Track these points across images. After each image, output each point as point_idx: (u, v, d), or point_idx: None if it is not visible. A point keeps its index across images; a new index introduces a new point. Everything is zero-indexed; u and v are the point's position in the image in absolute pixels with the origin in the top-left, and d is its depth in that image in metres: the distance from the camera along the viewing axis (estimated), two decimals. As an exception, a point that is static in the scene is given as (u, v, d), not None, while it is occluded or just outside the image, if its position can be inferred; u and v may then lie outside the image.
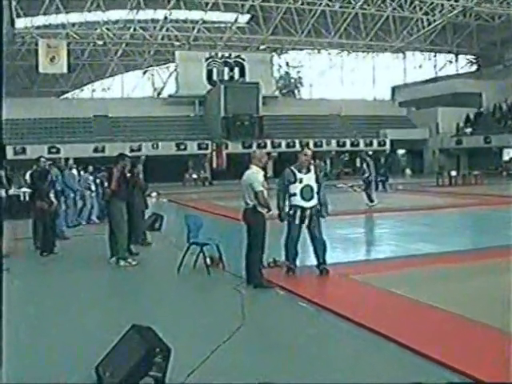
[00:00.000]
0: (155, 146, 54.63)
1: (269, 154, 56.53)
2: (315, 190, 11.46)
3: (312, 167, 11.59)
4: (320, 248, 11.70)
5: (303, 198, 11.39)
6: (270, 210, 11.03)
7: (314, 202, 11.49)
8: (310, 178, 11.43)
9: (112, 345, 6.29)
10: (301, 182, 11.37)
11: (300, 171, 11.44)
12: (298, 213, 11.43)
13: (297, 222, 11.48)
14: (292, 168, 11.55)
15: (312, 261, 13.69)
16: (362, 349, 7.47)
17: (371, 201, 26.78)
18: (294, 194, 11.40)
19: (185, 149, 56.20)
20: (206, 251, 12.25)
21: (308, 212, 11.45)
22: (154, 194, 19.42)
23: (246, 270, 11.13)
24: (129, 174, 14.58)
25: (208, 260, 12.20)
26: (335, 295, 10.13)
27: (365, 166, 27.89)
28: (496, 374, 6.25)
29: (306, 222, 11.53)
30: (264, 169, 11.26)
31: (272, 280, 10.99)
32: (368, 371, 6.70)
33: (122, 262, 13.23)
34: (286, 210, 11.55)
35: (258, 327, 8.59)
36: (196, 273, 12.17)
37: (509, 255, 13.17)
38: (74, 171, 21.99)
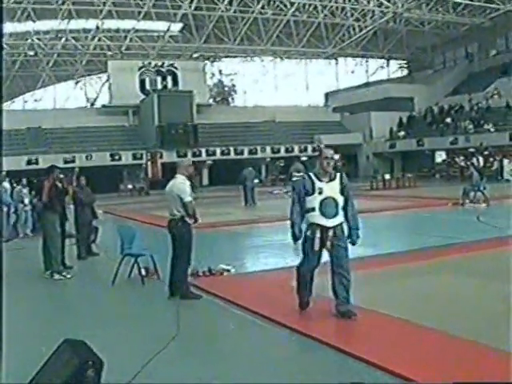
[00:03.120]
0: (89, 156, 54.07)
1: (204, 161, 57.02)
2: (340, 204, 8.90)
3: (337, 175, 9.01)
4: (342, 281, 8.92)
5: (323, 214, 8.80)
6: (197, 220, 10.91)
7: (339, 219, 8.93)
8: (332, 189, 8.86)
9: (44, 360, 6.22)
10: (320, 192, 8.80)
11: (320, 179, 8.89)
12: (318, 234, 8.82)
13: (316, 247, 8.84)
14: (310, 174, 9.06)
15: (251, 266, 13.76)
16: (299, 355, 7.53)
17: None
18: (312, 209, 8.86)
19: (119, 159, 55.72)
20: (141, 262, 12.19)
21: (331, 233, 8.80)
22: (100, 211, 19.25)
23: (169, 282, 10.92)
24: (70, 187, 14.55)
25: (143, 271, 12.15)
26: (272, 302, 10.02)
27: (293, 171, 28.26)
28: (428, 373, 6.37)
29: (328, 245, 8.84)
30: (190, 178, 11.11)
31: (208, 289, 11.00)
32: (307, 378, 6.73)
33: (56, 276, 13.08)
34: (303, 228, 9.06)
35: (193, 337, 8.58)
36: (131, 284, 12.11)
37: (441, 255, 13.46)
38: (6, 184, 21.66)
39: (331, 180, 8.87)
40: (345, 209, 8.97)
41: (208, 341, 8.45)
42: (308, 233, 8.93)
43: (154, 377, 6.73)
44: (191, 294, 10.75)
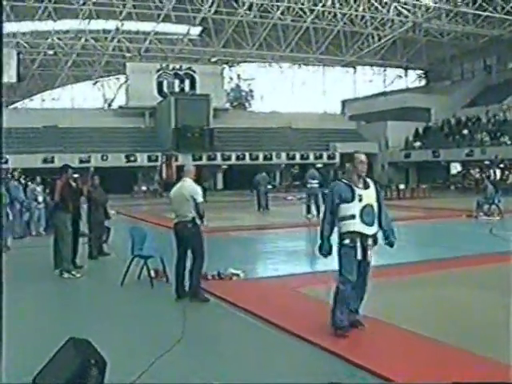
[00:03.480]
0: (105, 157, 54.27)
1: (219, 166, 57.15)
2: (376, 211, 8.52)
3: (370, 181, 8.65)
4: (362, 296, 8.71)
5: (364, 221, 8.36)
6: (203, 222, 11.12)
7: (376, 227, 8.56)
8: (370, 196, 8.48)
9: (49, 357, 6.25)
10: (360, 199, 8.35)
11: (357, 185, 8.46)
12: (359, 243, 8.34)
13: (359, 256, 8.34)
14: (346, 181, 8.54)
15: (261, 272, 13.76)
16: (307, 362, 7.52)
17: (308, 212, 27.20)
18: (352, 217, 8.33)
19: (134, 160, 55.92)
20: (150, 264, 12.22)
21: (370, 241, 8.43)
22: (112, 212, 19.32)
23: (176, 284, 11.11)
24: (85, 186, 14.64)
25: (152, 272, 12.18)
26: (279, 308, 10.02)
27: (309, 178, 28.27)
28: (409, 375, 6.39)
29: (370, 254, 8.47)
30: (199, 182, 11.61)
31: (216, 292, 11.02)
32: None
33: (65, 275, 13.13)
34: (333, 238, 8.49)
35: (199, 340, 8.58)
36: (140, 285, 12.13)
37: (451, 267, 13.43)
38: (14, 182, 21.74)
39: (367, 187, 8.51)
40: (379, 217, 8.57)
41: (213, 344, 8.46)
42: (346, 241, 8.33)
43: (157, 378, 6.74)
44: (202, 296, 10.83)
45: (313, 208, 27.45)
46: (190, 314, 9.54)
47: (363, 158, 8.57)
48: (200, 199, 10.93)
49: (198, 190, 11.05)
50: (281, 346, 8.18)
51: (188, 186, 11.08)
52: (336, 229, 8.45)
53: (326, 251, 8.52)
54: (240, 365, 7.43)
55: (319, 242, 8.57)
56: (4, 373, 5.50)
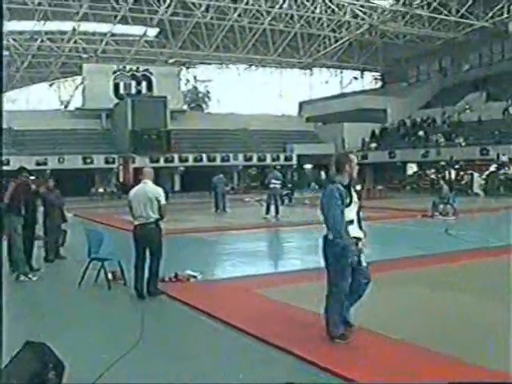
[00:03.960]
0: (61, 159, 53.83)
1: (176, 168, 56.98)
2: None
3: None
4: (358, 296, 8.45)
5: (360, 226, 8.37)
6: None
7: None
8: (356, 198, 8.33)
9: (5, 362, 6.22)
10: (355, 203, 8.20)
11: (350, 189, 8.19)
12: (354, 247, 8.05)
13: (355, 262, 8.08)
14: (343, 184, 8.12)
15: (219, 273, 13.80)
16: (262, 362, 7.55)
17: (267, 212, 27.34)
18: (351, 222, 8.12)
19: (91, 162, 55.48)
20: (108, 266, 12.18)
21: (360, 245, 8.23)
22: (69, 214, 19.14)
23: (135, 284, 11.29)
24: (41, 188, 14.55)
25: (109, 275, 12.15)
26: (237, 309, 10.08)
27: (272, 179, 28.43)
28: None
29: (363, 259, 8.26)
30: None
31: (172, 294, 11.05)
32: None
33: (21, 277, 13.04)
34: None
35: (157, 342, 8.58)
36: (97, 288, 12.09)
37: (407, 267, 13.57)
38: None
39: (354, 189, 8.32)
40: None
41: (171, 346, 8.47)
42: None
43: (115, 380, 6.74)
44: (158, 291, 11.22)
45: (272, 208, 27.61)
46: (148, 316, 9.55)
47: (356, 160, 8.43)
48: (163, 201, 11.15)
49: (161, 191, 11.26)
50: (239, 348, 8.21)
51: (151, 187, 11.27)
52: (330, 234, 7.95)
53: (348, 254, 7.91)
54: (198, 367, 7.45)
55: (343, 244, 7.86)
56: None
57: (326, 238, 8.06)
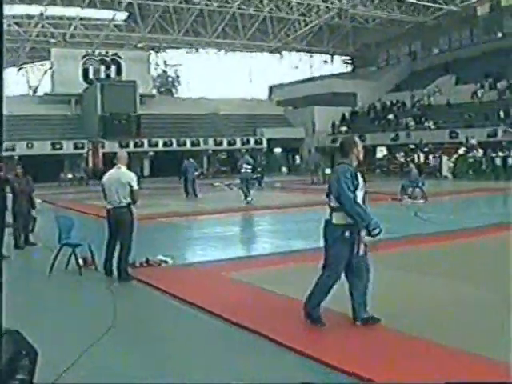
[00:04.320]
0: (30, 145, 53.42)
1: (146, 152, 56.76)
2: None
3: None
4: (365, 286, 8.16)
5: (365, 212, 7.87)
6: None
7: None
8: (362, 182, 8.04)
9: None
10: (361, 187, 7.95)
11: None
12: (355, 236, 7.83)
13: (355, 250, 7.82)
14: (350, 166, 7.90)
15: (189, 258, 13.81)
16: (236, 347, 7.58)
17: (246, 197, 27.29)
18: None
19: (60, 148, 55.09)
20: (79, 252, 12.15)
21: (363, 233, 7.87)
22: (38, 200, 18.98)
23: (104, 261, 11.60)
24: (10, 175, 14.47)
25: (80, 261, 12.11)
26: (208, 293, 10.08)
27: (243, 163, 28.36)
28: (380, 372, 6.49)
29: (362, 247, 7.94)
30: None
31: (144, 279, 11.05)
32: (243, 370, 6.75)
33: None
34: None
35: (130, 327, 8.59)
36: (68, 274, 12.05)
37: (378, 250, 13.66)
38: None
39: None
40: None
41: (144, 331, 8.47)
42: (346, 234, 7.73)
43: (88, 366, 6.74)
44: (129, 276, 11.29)
45: (247, 192, 27.61)
46: (120, 302, 9.55)
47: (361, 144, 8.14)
48: (136, 186, 11.32)
49: (134, 176, 11.43)
50: (211, 331, 8.23)
51: (124, 172, 11.40)
52: (333, 218, 7.85)
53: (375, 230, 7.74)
54: (172, 352, 7.47)
55: (369, 220, 7.68)
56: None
57: (328, 221, 7.96)
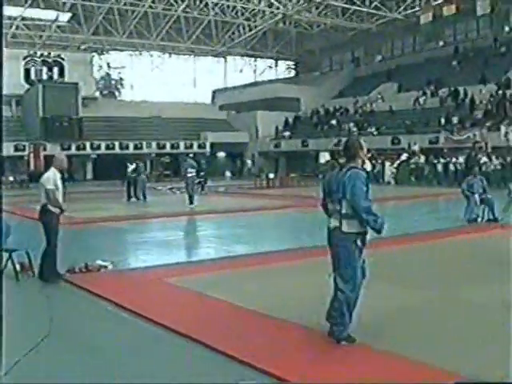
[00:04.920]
0: (-32, 147, 52.50)
1: (88, 155, 56.21)
2: None
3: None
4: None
5: None
6: (62, 210, 11.53)
7: None
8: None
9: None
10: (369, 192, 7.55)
11: None
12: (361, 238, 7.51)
13: (362, 258, 7.56)
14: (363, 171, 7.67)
15: (130, 263, 13.62)
16: (175, 353, 7.46)
17: (191, 202, 27.09)
18: None
19: (0, 150, 54.18)
20: (16, 257, 11.87)
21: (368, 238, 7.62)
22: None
23: (40, 264, 11.49)
24: None
25: (18, 266, 11.83)
26: (148, 299, 9.96)
27: (188, 167, 28.17)
28: (299, 371, 6.50)
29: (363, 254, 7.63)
30: (61, 171, 11.79)
31: (82, 285, 10.83)
32: (180, 375, 6.69)
33: None
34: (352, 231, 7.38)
35: (67, 334, 8.41)
36: (4, 280, 11.74)
37: (318, 255, 13.64)
38: None
39: None
40: None
41: (81, 338, 8.29)
42: (358, 243, 7.39)
43: (25, 374, 6.58)
44: (56, 277, 11.36)
45: (188, 196, 27.40)
46: (57, 308, 9.35)
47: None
48: (48, 186, 11.23)
49: (51, 177, 11.32)
50: (151, 338, 8.10)
51: (46, 175, 11.45)
52: (344, 226, 7.36)
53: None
54: (108, 358, 7.32)
55: (380, 226, 7.34)
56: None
57: (336, 229, 7.46)
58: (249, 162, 59.18)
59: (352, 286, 7.36)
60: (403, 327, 8.01)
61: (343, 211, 7.35)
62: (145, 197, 31.60)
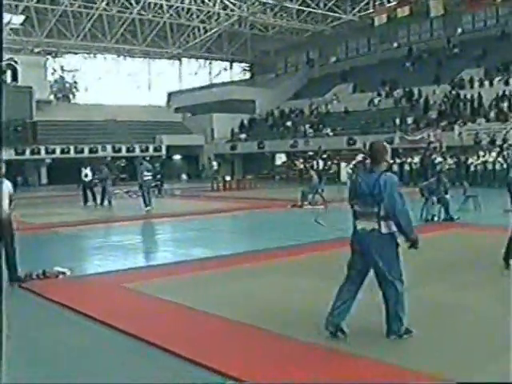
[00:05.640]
0: None
1: (43, 160, 55.62)
2: None
3: None
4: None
5: None
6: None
7: None
8: None
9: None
10: None
11: None
12: None
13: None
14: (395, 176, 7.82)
15: (88, 268, 13.52)
16: (134, 359, 7.43)
17: (146, 205, 26.97)
18: None
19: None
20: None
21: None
22: None
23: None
24: None
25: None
26: (107, 304, 9.88)
27: (144, 171, 27.98)
28: (258, 373, 6.54)
29: None
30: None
31: (41, 292, 10.72)
32: (135, 376, 6.71)
33: None
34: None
35: (25, 343, 8.31)
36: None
37: (278, 257, 13.70)
38: None
39: None
40: None
41: (39, 347, 8.21)
42: (398, 240, 7.56)
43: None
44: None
45: (149, 200, 27.23)
46: (15, 316, 9.23)
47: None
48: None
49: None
50: (111, 344, 8.05)
51: (8, 183, 11.50)
52: (383, 227, 7.42)
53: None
54: (69, 365, 7.27)
55: (410, 227, 7.48)
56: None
57: (374, 231, 7.48)
58: (214, 163, 58.97)
59: (400, 285, 7.46)
60: (363, 328, 8.06)
61: (382, 213, 7.41)
62: (110, 202, 31.01)
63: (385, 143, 8.13)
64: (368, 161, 8.00)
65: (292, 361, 6.86)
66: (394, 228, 7.41)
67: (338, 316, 7.59)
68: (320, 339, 7.46)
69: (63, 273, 12.25)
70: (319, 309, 8.11)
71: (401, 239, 7.52)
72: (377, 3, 62.13)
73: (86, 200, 31.29)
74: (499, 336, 7.31)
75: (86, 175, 31.79)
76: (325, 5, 62.47)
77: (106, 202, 30.64)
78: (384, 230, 7.40)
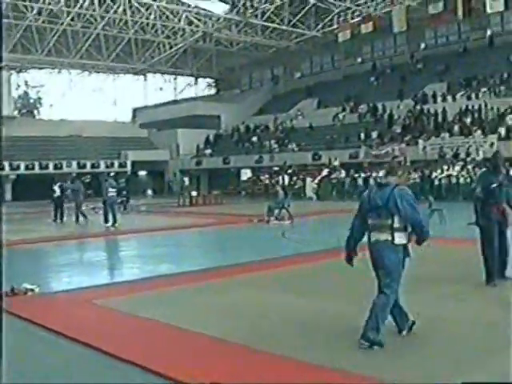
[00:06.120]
0: None
1: (7, 176, 55.24)
2: None
3: None
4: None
5: None
6: None
7: None
8: None
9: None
10: None
11: None
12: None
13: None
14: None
15: (57, 285, 13.50)
16: (107, 376, 7.43)
17: (106, 221, 26.95)
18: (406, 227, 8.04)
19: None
20: None
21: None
22: None
23: None
24: None
25: None
26: (75, 321, 9.83)
27: (109, 187, 27.86)
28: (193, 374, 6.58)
29: None
30: None
31: (9, 309, 10.65)
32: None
33: None
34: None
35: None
36: None
37: (245, 272, 13.77)
38: None
39: None
40: None
41: (8, 363, 8.19)
42: (406, 251, 7.99)
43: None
44: None
45: (110, 216, 27.13)
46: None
47: None
48: None
49: None
50: (82, 360, 8.05)
51: None
52: (397, 239, 7.81)
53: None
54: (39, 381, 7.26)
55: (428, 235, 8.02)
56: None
57: (387, 242, 7.81)
58: (186, 179, 58.81)
59: (390, 290, 7.77)
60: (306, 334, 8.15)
61: (396, 225, 7.77)
62: (85, 216, 30.49)
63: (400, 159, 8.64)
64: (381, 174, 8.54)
65: (266, 373, 6.90)
66: (405, 240, 7.84)
67: (400, 323, 8.11)
68: (293, 352, 7.54)
69: (32, 289, 12.19)
70: (291, 321, 8.21)
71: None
72: (341, 19, 62.74)
73: (56, 216, 31.06)
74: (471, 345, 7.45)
75: (54, 191, 31.60)
76: (289, 21, 62.96)
77: (81, 218, 30.19)
78: (397, 240, 7.78)
